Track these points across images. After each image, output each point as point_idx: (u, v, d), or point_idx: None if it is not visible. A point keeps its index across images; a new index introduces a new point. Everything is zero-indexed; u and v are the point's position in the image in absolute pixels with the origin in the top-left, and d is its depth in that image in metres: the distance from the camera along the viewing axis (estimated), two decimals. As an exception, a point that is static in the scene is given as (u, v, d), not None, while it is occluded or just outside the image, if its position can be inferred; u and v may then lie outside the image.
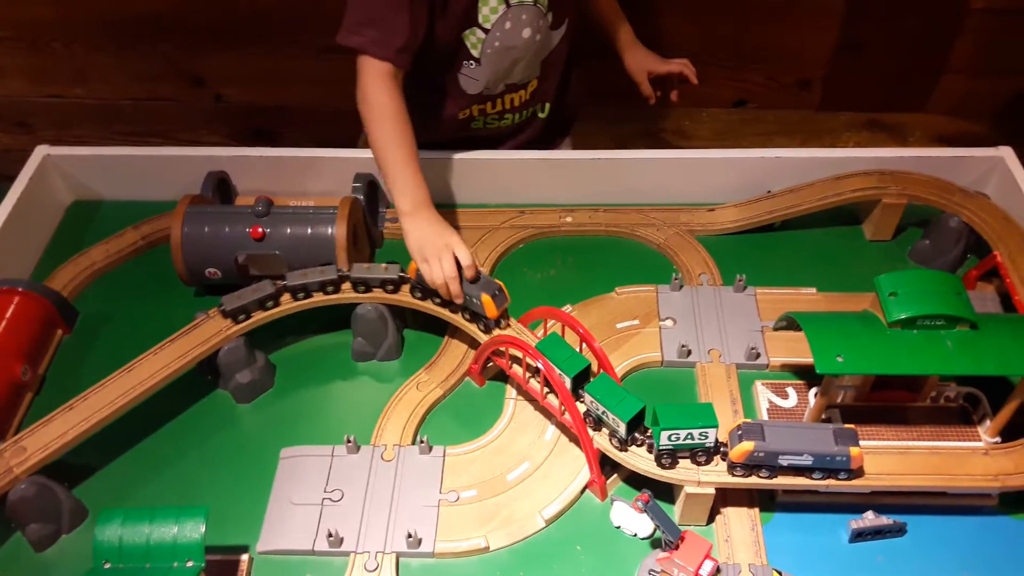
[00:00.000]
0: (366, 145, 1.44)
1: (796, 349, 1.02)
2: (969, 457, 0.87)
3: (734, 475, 0.84)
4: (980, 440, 0.90)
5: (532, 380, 0.95)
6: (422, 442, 0.93)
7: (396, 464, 0.92)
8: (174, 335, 0.99)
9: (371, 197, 1.21)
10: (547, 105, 1.27)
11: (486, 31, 1.09)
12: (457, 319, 1.01)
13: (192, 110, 1.89)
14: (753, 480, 0.84)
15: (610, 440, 0.88)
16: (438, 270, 0.97)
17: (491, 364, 1.01)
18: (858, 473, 0.84)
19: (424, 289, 1.01)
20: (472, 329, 1.00)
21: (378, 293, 1.03)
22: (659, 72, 1.27)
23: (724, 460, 0.85)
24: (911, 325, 0.84)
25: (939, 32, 1.66)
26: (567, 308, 1.10)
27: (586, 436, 0.89)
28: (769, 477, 0.84)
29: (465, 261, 0.97)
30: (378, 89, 1.03)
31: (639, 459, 0.86)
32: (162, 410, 1.01)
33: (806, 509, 0.90)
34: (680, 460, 0.85)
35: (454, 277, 0.97)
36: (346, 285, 1.03)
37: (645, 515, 0.84)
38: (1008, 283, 1.04)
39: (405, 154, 1.02)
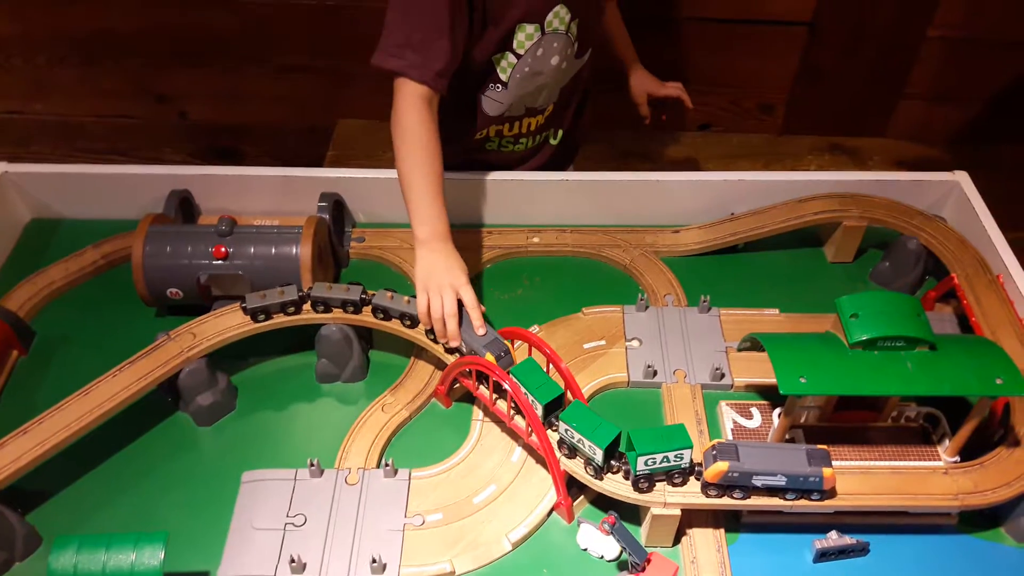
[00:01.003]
0: (334, 164, 1.44)
1: (760, 369, 1.02)
2: (929, 476, 0.88)
3: (708, 495, 0.85)
4: (940, 460, 0.91)
5: (499, 401, 0.95)
6: (387, 465, 0.92)
7: (360, 488, 0.91)
8: (134, 356, 0.97)
9: (337, 217, 1.20)
10: (560, 132, 1.28)
11: (518, 56, 1.10)
12: (422, 339, 1.01)
13: (156, 128, 1.87)
14: (724, 501, 0.85)
15: (585, 468, 0.87)
16: (437, 305, 0.95)
17: (457, 385, 1.01)
18: (830, 493, 0.85)
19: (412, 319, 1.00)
20: (438, 350, 1.00)
21: (340, 313, 1.02)
22: (658, 95, 1.33)
23: (699, 480, 0.85)
24: (872, 346, 0.85)
25: (897, 59, 1.71)
26: (534, 328, 1.10)
27: (553, 457, 0.88)
28: (743, 497, 0.84)
29: (470, 303, 0.96)
30: (412, 113, 1.01)
31: (617, 486, 0.86)
32: (120, 433, 0.98)
33: (771, 529, 0.90)
34: (657, 483, 0.85)
35: (452, 315, 0.95)
36: (307, 306, 1.02)
37: (611, 537, 0.84)
38: (965, 304, 1.06)
39: (429, 182, 1.00)
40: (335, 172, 1.24)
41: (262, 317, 1.01)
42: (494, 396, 0.95)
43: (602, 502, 0.90)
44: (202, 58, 1.75)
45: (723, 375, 1.03)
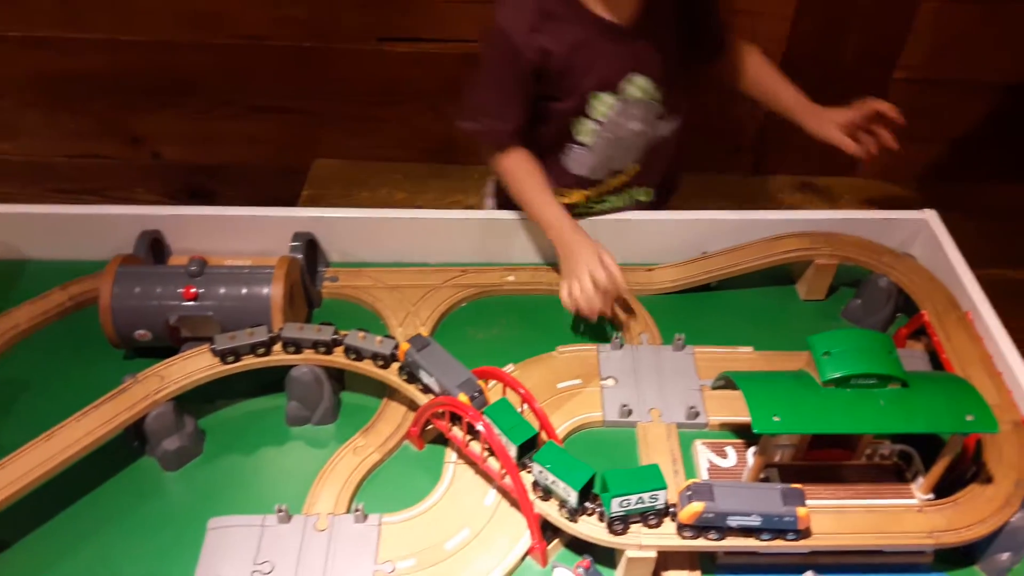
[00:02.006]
0: (309, 203, 1.45)
1: (734, 408, 1.02)
2: (904, 515, 0.88)
3: (683, 537, 0.84)
4: (914, 497, 0.91)
5: (472, 443, 0.94)
6: (357, 510, 0.90)
7: (329, 534, 0.89)
8: (99, 400, 0.95)
9: (310, 256, 1.19)
10: (651, 190, 1.29)
11: (599, 123, 1.13)
12: (395, 380, 1.00)
13: (128, 168, 1.87)
14: (700, 543, 0.84)
15: (559, 510, 0.86)
16: (576, 288, 1.05)
17: (430, 427, 0.99)
18: (805, 533, 0.84)
19: (410, 374, 0.99)
20: (411, 391, 0.98)
21: (311, 354, 1.01)
22: (856, 120, 1.17)
23: (674, 521, 0.84)
24: (845, 384, 0.85)
25: (864, 99, 1.74)
26: (509, 368, 1.09)
27: (527, 500, 0.87)
28: (718, 538, 0.83)
29: (612, 267, 1.05)
30: (501, 160, 1.14)
31: (591, 528, 0.85)
32: (83, 479, 0.96)
33: (747, 570, 0.89)
34: (632, 525, 0.84)
35: (607, 288, 1.04)
36: (278, 347, 1.01)
37: (586, 581, 0.83)
38: (935, 341, 1.07)
39: (536, 195, 1.12)
40: (308, 212, 1.23)
41: (231, 358, 1.00)
42: (467, 437, 0.94)
43: (577, 545, 0.89)
44: (173, 98, 1.75)
45: (698, 414, 1.02)
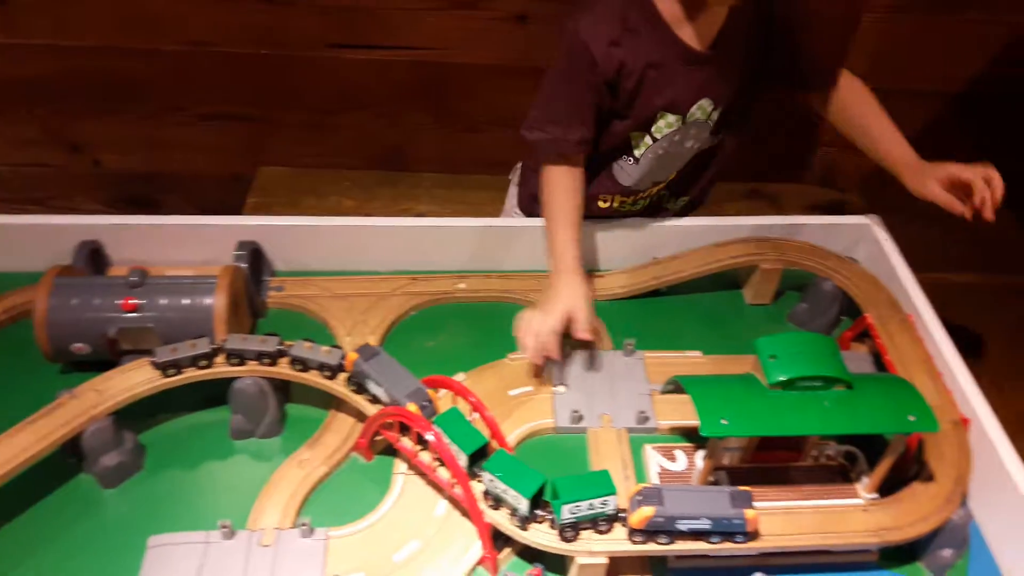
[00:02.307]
0: (255, 211, 1.41)
1: (683, 412, 1.02)
2: (850, 514, 0.89)
3: (634, 542, 0.83)
4: (859, 497, 0.92)
5: (422, 453, 0.93)
6: (303, 525, 0.88)
7: (275, 550, 0.86)
8: (34, 416, 0.92)
9: (255, 265, 1.17)
10: (682, 199, 1.29)
11: (655, 139, 1.14)
12: (342, 391, 0.98)
13: (69, 176, 1.82)
14: (650, 547, 0.84)
15: (510, 519, 0.85)
16: (537, 322, 1.02)
17: (379, 438, 0.98)
18: (753, 535, 0.85)
19: (359, 385, 0.97)
20: (359, 401, 0.97)
21: (255, 366, 0.99)
22: (961, 178, 1.06)
23: (624, 527, 0.84)
24: (791, 387, 0.86)
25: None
26: (460, 376, 1.08)
27: (477, 509, 0.86)
28: (668, 542, 0.83)
29: (579, 325, 1.02)
30: (554, 169, 1.12)
31: (542, 535, 0.84)
32: (19, 497, 0.92)
33: (697, 573, 0.89)
34: (582, 531, 0.84)
35: (551, 332, 1.01)
36: (221, 358, 0.99)
37: (537, 590, 0.82)
38: (879, 344, 1.09)
39: (559, 226, 1.10)
40: (253, 220, 1.21)
41: (172, 371, 0.97)
42: (417, 448, 0.92)
43: (528, 553, 0.88)
44: (118, 105, 1.71)
45: (647, 418, 1.03)
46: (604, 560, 0.83)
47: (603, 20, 1.05)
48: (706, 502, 0.83)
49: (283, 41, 1.64)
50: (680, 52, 1.07)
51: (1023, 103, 1.78)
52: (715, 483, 0.93)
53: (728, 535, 0.84)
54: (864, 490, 0.92)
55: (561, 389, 1.07)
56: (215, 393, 1.01)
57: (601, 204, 1.24)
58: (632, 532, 0.83)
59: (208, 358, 0.98)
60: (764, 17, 1.11)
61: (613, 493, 0.83)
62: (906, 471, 0.94)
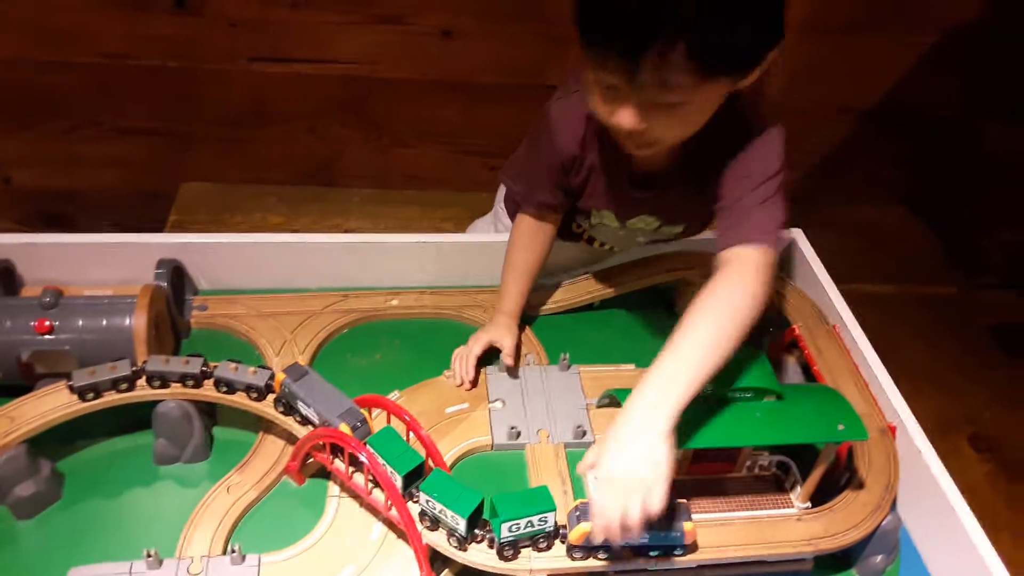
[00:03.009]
0: (176, 228, 1.35)
1: (620, 426, 1.03)
2: (784, 523, 0.90)
3: (573, 558, 0.83)
4: (793, 507, 0.93)
5: (356, 475, 0.90)
6: (234, 551, 0.84)
7: (203, 578, 0.83)
8: (-62, 447, 0.87)
9: (177, 284, 1.13)
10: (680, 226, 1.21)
11: (600, 228, 1.17)
12: (271, 412, 0.95)
13: (-25, 194, 1.73)
14: (589, 563, 0.83)
15: (448, 540, 0.84)
16: (463, 349, 1.09)
17: (311, 460, 0.95)
18: (692, 548, 0.85)
19: (288, 406, 0.95)
20: (289, 423, 0.94)
21: (179, 388, 0.95)
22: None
23: (563, 543, 0.83)
24: (723, 398, 0.87)
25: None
26: (394, 395, 1.06)
27: (414, 531, 0.84)
28: (607, 559, 0.83)
29: (506, 351, 1.09)
30: (523, 219, 1.13)
31: (481, 555, 0.83)
32: (-79, 535, 0.87)
33: (637, 589, 0.89)
34: (522, 549, 0.83)
35: (465, 357, 1.08)
36: (142, 381, 0.95)
37: (477, 611, 0.81)
38: (807, 354, 1.12)
39: (511, 272, 1.14)
40: (174, 237, 1.17)
41: (91, 395, 0.93)
42: (350, 469, 0.90)
43: (468, 574, 0.87)
44: (30, 120, 1.63)
45: (585, 432, 1.03)
46: (544, 578, 0.83)
47: (573, 112, 1.02)
48: None
49: (200, 55, 1.60)
50: (626, 172, 1.05)
51: (935, 119, 1.86)
52: (652, 496, 0.93)
53: (667, 549, 0.84)
54: (798, 500, 0.94)
55: (498, 405, 1.06)
56: (136, 418, 0.97)
57: (575, 228, 1.23)
58: (571, 548, 0.83)
59: (129, 381, 0.94)
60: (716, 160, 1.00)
61: (552, 510, 0.82)
62: (838, 480, 0.96)
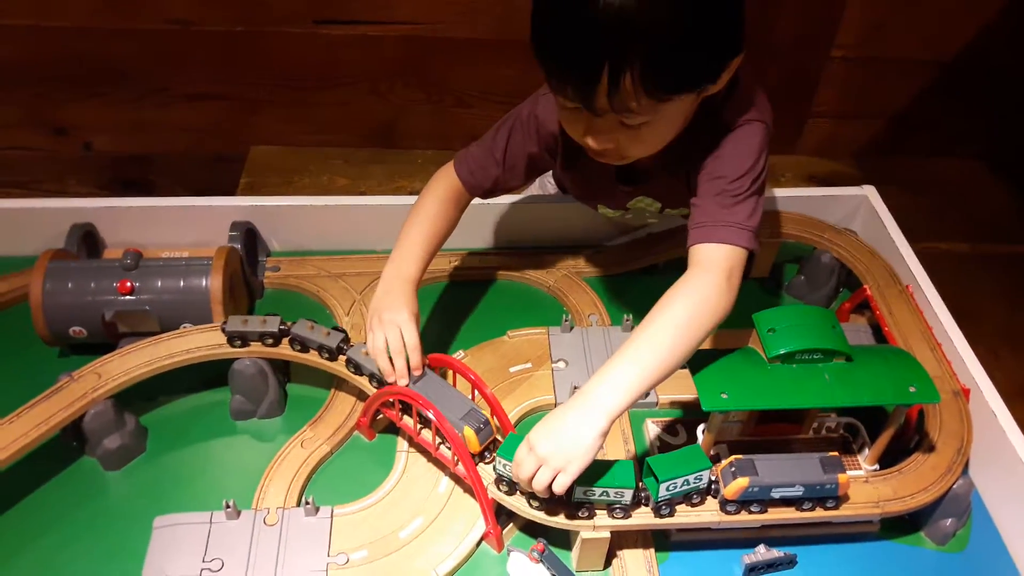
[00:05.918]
0: (248, 191, 1.36)
1: (683, 386, 1.02)
2: (852, 485, 0.90)
3: (728, 512, 0.85)
4: (860, 468, 0.93)
5: (424, 431, 0.93)
6: (307, 503, 0.88)
7: (280, 528, 0.87)
8: (34, 400, 0.92)
9: (249, 246, 1.16)
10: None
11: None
12: (342, 371, 0.98)
13: (57, 160, 1.79)
14: (742, 516, 0.85)
15: (529, 504, 0.84)
16: (381, 340, 0.91)
17: (381, 416, 0.98)
18: (844, 499, 0.86)
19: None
20: (360, 381, 0.97)
21: (257, 346, 0.98)
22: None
23: (716, 499, 0.85)
24: (790, 360, 0.86)
25: (802, 80, 1.76)
26: (459, 354, 1.08)
27: (480, 486, 0.86)
28: (760, 511, 0.85)
29: (410, 341, 0.92)
30: (440, 184, 1.03)
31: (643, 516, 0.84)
32: (21, 482, 0.93)
33: (700, 547, 0.90)
34: (677, 507, 0.85)
35: (399, 351, 0.91)
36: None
37: (542, 564, 0.83)
38: (878, 315, 1.09)
39: (415, 232, 0.99)
40: (246, 200, 1.20)
41: (238, 343, 0.98)
42: (419, 426, 0.92)
43: (532, 529, 0.89)
44: (103, 87, 1.68)
45: (648, 393, 1.03)
46: (606, 535, 0.84)
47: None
48: (799, 470, 0.84)
49: (265, 18, 1.62)
50: (612, 168, 1.01)
51: (1018, 74, 1.78)
52: (716, 456, 0.93)
53: (819, 501, 0.85)
54: (865, 462, 0.93)
55: (561, 365, 1.07)
56: (215, 375, 1.01)
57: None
58: (724, 503, 0.85)
59: (275, 338, 0.98)
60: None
61: (708, 467, 0.83)
62: (907, 442, 0.95)
